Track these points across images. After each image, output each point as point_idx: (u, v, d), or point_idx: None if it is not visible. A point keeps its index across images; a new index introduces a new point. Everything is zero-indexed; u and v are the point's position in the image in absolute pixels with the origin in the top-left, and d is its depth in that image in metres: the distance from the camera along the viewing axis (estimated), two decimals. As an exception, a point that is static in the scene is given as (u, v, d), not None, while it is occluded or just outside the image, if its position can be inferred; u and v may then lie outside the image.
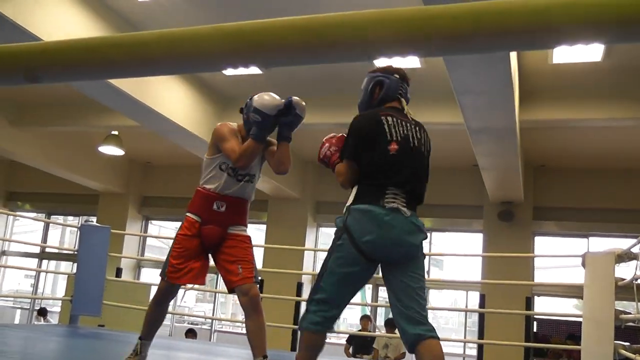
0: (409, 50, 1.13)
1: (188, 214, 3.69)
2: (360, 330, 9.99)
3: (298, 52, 0.99)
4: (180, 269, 3.58)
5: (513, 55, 6.49)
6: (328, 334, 3.05)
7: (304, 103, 3.60)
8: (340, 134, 3.27)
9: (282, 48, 0.99)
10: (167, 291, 3.70)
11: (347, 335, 10.31)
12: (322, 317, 2.91)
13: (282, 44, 0.98)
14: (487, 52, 2.56)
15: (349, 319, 14.26)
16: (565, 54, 7.37)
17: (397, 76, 3.19)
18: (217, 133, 3.68)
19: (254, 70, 8.57)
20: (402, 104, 3.14)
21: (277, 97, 3.54)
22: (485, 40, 1.05)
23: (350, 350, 9.72)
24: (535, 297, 11.74)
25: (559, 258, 11.91)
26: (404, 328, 2.85)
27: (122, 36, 1.13)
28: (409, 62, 7.83)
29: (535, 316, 11.30)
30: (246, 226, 3.76)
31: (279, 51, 1.00)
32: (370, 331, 10.52)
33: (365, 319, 10.09)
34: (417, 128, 3.08)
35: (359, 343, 9.76)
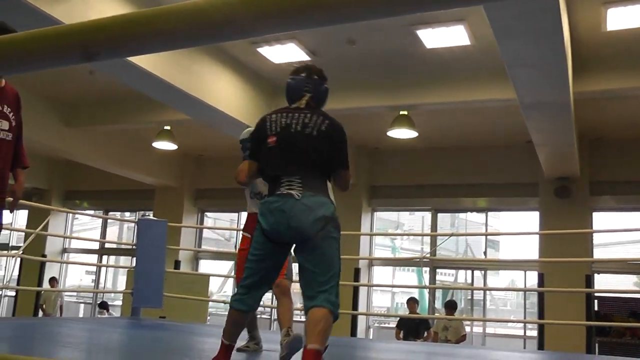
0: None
1: (244, 233, 4.58)
2: (409, 313, 9.95)
3: (327, 11, 0.97)
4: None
5: (565, 25, 6.34)
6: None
7: None
8: None
9: (307, 8, 0.97)
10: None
11: (397, 320, 10.28)
12: (242, 296, 3.27)
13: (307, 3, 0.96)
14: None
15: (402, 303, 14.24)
16: (620, 20, 7.15)
17: (304, 74, 3.45)
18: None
19: (303, 57, 8.58)
20: (304, 99, 3.37)
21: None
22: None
23: (401, 334, 9.68)
24: (595, 275, 11.50)
25: (618, 233, 11.64)
26: (304, 302, 3.16)
27: (142, 11, 1.13)
28: (458, 39, 7.74)
29: (596, 294, 11.08)
30: None
31: (304, 12, 0.98)
32: (418, 313, 10.47)
33: (412, 301, 10.02)
34: (309, 117, 3.28)
35: (409, 327, 9.71)
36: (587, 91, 8.24)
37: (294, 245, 3.24)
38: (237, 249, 4.53)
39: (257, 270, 3.25)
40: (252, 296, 3.26)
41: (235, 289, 3.41)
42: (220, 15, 1.05)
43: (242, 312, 3.25)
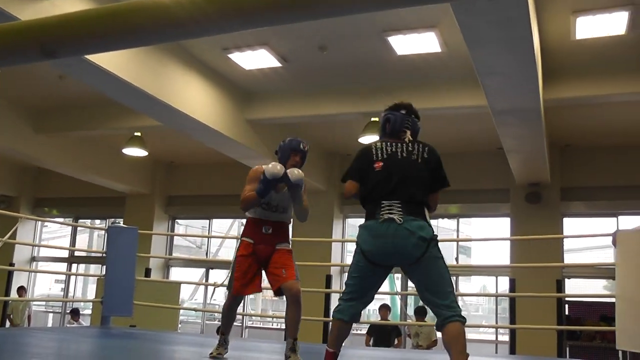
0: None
1: (243, 238, 4.49)
2: (380, 320, 9.95)
3: (297, 9, 0.95)
4: (244, 284, 4.40)
5: (535, 33, 6.40)
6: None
7: (298, 172, 4.27)
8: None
9: (277, 4, 0.95)
10: (235, 301, 4.58)
11: (367, 326, 10.26)
12: (342, 306, 3.51)
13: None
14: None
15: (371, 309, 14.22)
16: (589, 29, 7.23)
17: (404, 111, 3.69)
18: (248, 176, 4.53)
19: (274, 63, 8.56)
20: (406, 135, 3.62)
21: (279, 168, 4.25)
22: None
23: (371, 341, 9.66)
24: (566, 280, 11.61)
25: (588, 238, 11.75)
26: (435, 315, 3.40)
27: (105, 7, 1.10)
28: (429, 46, 7.77)
29: (567, 298, 11.18)
30: (289, 243, 4.56)
31: (273, 9, 0.97)
32: (389, 320, 10.46)
33: (384, 308, 10.01)
34: (411, 145, 3.56)
35: (380, 333, 9.69)
36: (557, 98, 8.33)
37: (405, 267, 3.43)
38: (235, 255, 4.52)
39: (355, 286, 3.49)
40: (352, 307, 3.49)
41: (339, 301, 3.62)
42: (185, 12, 1.03)
43: (342, 321, 3.50)
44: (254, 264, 4.42)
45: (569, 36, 7.41)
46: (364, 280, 3.48)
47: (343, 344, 3.61)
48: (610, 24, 7.12)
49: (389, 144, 3.56)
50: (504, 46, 6.02)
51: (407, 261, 3.37)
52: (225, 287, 4.57)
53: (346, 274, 13.71)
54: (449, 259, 13.96)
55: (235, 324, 15.06)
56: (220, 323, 4.78)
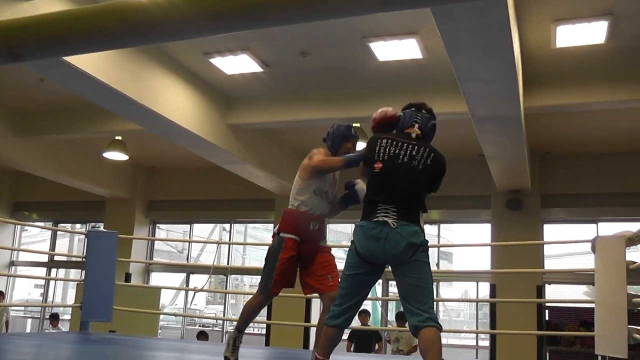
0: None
1: (286, 235, 4.13)
2: (360, 326, 9.95)
3: (273, 12, 0.95)
4: (281, 285, 4.13)
5: (516, 41, 6.44)
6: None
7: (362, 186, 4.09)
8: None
9: (253, 8, 0.95)
10: (267, 301, 4.32)
11: (348, 332, 10.25)
12: (336, 312, 3.54)
13: (253, 3, 0.94)
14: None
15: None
16: (569, 38, 7.29)
17: (413, 108, 3.77)
18: (314, 152, 4.21)
19: (255, 68, 8.55)
20: (413, 129, 3.67)
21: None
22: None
23: (352, 347, 9.66)
24: (546, 285, 11.69)
25: (568, 245, 11.85)
26: (407, 319, 3.44)
27: (81, 8, 1.09)
28: (410, 53, 7.79)
29: (547, 304, 11.25)
30: (326, 239, 4.33)
31: (251, 13, 0.96)
32: (369, 325, 10.46)
33: (363, 314, 10.00)
34: (417, 147, 3.58)
35: (360, 339, 9.69)
36: (538, 106, 8.38)
37: (392, 266, 3.50)
38: (278, 252, 4.10)
39: (349, 288, 3.54)
40: (346, 312, 3.54)
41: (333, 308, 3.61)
42: (163, 14, 1.02)
43: (335, 327, 3.55)
44: (296, 265, 4.17)
45: (549, 44, 7.47)
46: (356, 279, 3.52)
47: None
48: (590, 33, 7.19)
49: (394, 142, 3.60)
50: (485, 53, 6.05)
51: (394, 262, 3.44)
52: (258, 285, 4.23)
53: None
54: (431, 265, 14.01)
55: (215, 329, 15.07)
56: (239, 323, 4.37)
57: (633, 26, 7.08)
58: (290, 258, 4.07)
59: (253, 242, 15.80)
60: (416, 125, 3.68)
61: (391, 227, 3.41)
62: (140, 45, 7.30)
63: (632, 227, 6.25)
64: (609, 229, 10.90)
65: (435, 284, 12.11)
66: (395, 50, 7.80)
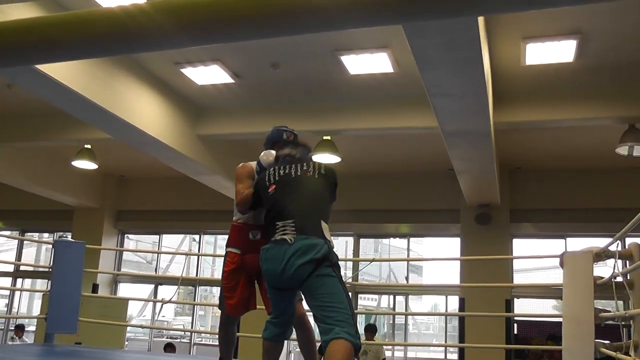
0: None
1: (228, 249, 4.05)
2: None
3: (259, 24, 0.93)
4: (236, 304, 3.98)
5: (486, 57, 6.49)
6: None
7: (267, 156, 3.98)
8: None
9: (240, 20, 0.93)
10: (229, 320, 4.13)
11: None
12: (268, 326, 3.54)
13: (240, 15, 0.92)
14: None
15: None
16: (538, 55, 7.39)
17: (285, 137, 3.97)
18: (235, 173, 4.05)
19: (227, 79, 8.52)
20: (289, 148, 3.78)
21: (273, 154, 3.92)
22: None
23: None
24: (515, 299, 11.76)
25: (537, 259, 11.95)
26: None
27: (55, 15, 1.06)
28: (381, 66, 7.82)
29: (515, 318, 11.33)
30: None
31: (237, 24, 0.94)
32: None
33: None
34: (305, 162, 3.63)
35: None
36: (507, 122, 8.47)
37: (302, 291, 3.37)
38: (223, 270, 4.03)
39: (276, 308, 3.49)
40: (280, 324, 3.50)
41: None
42: (135, 24, 0.99)
43: (271, 341, 3.51)
44: (244, 278, 3.96)
45: (519, 61, 7.55)
46: (275, 302, 3.47)
47: None
48: (558, 52, 7.29)
49: (281, 167, 3.62)
50: (455, 68, 6.09)
51: (298, 281, 3.26)
52: (217, 306, 4.14)
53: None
54: (401, 278, 14.04)
55: (182, 340, 14.89)
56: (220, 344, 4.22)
57: (601, 45, 7.19)
58: (232, 272, 3.95)
59: (222, 253, 15.68)
60: (295, 151, 3.76)
61: (289, 244, 3.25)
62: (121, 54, 7.22)
63: (599, 242, 6.31)
64: (577, 244, 11.02)
65: (402, 297, 11.93)
66: (367, 63, 7.82)
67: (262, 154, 3.98)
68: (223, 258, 4.07)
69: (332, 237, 3.42)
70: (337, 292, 3.20)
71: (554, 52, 7.29)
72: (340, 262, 3.44)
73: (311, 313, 3.37)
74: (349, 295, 3.28)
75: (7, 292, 15.77)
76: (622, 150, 8.65)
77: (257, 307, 4.09)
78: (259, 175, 3.69)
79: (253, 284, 4.02)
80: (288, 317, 3.50)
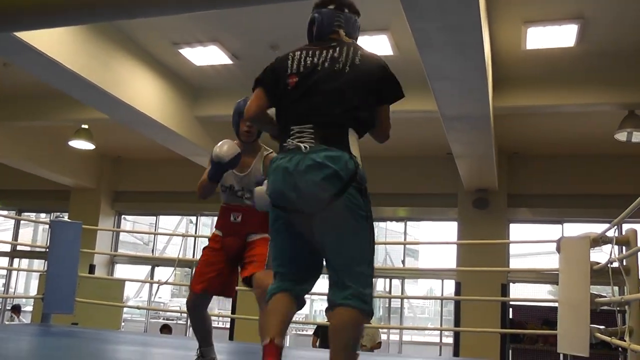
0: None
1: (214, 231, 3.79)
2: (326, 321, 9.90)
3: None
4: (204, 280, 3.64)
5: (486, 41, 6.46)
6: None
7: (227, 148, 3.53)
8: None
9: None
10: (195, 301, 3.69)
11: (314, 327, 10.22)
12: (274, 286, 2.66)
13: None
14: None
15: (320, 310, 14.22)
16: (538, 40, 7.35)
17: (332, 7, 2.87)
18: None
19: (225, 60, 8.48)
20: (339, 35, 2.82)
21: (226, 149, 3.50)
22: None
23: (318, 343, 9.63)
24: (511, 284, 11.80)
25: (533, 244, 11.99)
26: (328, 296, 2.53)
27: None
28: (381, 49, 7.78)
29: (511, 302, 11.37)
30: (266, 231, 3.19)
31: None
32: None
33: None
34: (339, 51, 2.69)
35: (326, 335, 9.64)
36: (506, 106, 8.45)
37: (310, 218, 2.52)
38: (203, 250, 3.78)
39: (282, 255, 2.65)
40: (284, 284, 2.63)
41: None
42: None
43: (280, 293, 2.61)
44: (221, 260, 3.64)
45: (519, 46, 7.52)
46: (283, 243, 2.64)
47: (287, 343, 2.71)
48: (560, 36, 7.26)
49: (310, 52, 2.72)
50: (455, 51, 6.06)
51: (312, 204, 2.47)
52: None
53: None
54: (397, 261, 14.07)
55: (179, 322, 14.92)
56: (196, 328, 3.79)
57: (603, 30, 7.16)
58: (209, 251, 3.69)
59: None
60: (341, 32, 2.84)
61: (303, 153, 2.49)
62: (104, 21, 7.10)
63: (596, 228, 6.33)
64: (574, 229, 11.03)
65: (399, 281, 11.91)
66: (366, 46, 7.73)
67: (219, 143, 3.56)
68: None
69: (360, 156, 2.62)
70: (361, 234, 2.50)
71: (555, 36, 7.26)
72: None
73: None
74: (374, 238, 2.58)
75: (4, 272, 15.78)
76: (621, 136, 8.66)
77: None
78: (277, 58, 2.82)
79: (233, 271, 3.71)
80: (304, 271, 2.66)
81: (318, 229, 2.50)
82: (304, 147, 2.50)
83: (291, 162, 2.50)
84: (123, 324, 12.36)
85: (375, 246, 2.60)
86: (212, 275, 3.63)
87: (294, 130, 2.58)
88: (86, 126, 10.90)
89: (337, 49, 2.70)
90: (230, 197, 3.72)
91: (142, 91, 8.69)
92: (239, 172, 3.70)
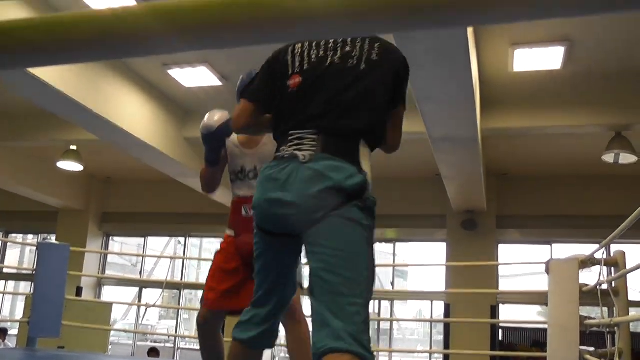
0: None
1: (225, 231, 3.24)
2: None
3: (247, 30, 0.89)
4: (214, 291, 3.10)
5: (474, 63, 6.50)
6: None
7: (218, 117, 3.27)
8: None
9: (228, 26, 0.89)
10: (205, 317, 3.14)
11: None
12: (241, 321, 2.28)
13: (228, 20, 0.88)
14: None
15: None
16: (526, 62, 7.41)
17: None
18: None
19: (215, 81, 8.49)
20: None
21: (216, 118, 3.17)
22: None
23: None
24: (500, 305, 11.77)
25: (522, 265, 11.99)
26: (313, 333, 1.99)
27: (40, 17, 1.02)
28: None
29: (501, 324, 11.34)
30: None
31: (225, 29, 0.90)
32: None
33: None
34: (351, 40, 2.24)
35: None
36: (495, 128, 8.49)
37: (303, 237, 2.09)
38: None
39: (261, 279, 2.22)
40: (259, 321, 2.22)
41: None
42: (125, 27, 0.95)
43: (241, 343, 2.24)
44: (236, 267, 3.06)
45: (507, 68, 7.57)
46: (265, 265, 2.22)
47: None
48: (546, 59, 7.33)
49: (315, 44, 2.28)
50: (443, 74, 6.09)
51: (304, 221, 2.02)
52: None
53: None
54: (386, 282, 14.04)
55: (166, 345, 14.77)
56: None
57: (589, 53, 7.23)
58: (221, 256, 3.16)
59: (208, 256, 15.64)
60: None
61: (300, 162, 2.05)
62: (110, 59, 7.15)
63: (585, 248, 6.34)
64: (563, 250, 11.06)
65: (388, 302, 11.86)
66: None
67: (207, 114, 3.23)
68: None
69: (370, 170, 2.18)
70: (360, 255, 2.01)
71: (542, 58, 7.33)
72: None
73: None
74: (374, 269, 2.08)
75: (-10, 295, 15.62)
76: (609, 157, 8.69)
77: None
78: (275, 53, 2.39)
79: (247, 276, 2.95)
80: (277, 304, 2.23)
81: (309, 245, 2.06)
82: (302, 155, 2.06)
83: (282, 173, 2.07)
84: (110, 347, 12.23)
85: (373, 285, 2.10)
86: (225, 287, 3.06)
87: (292, 136, 2.13)
88: (75, 147, 10.86)
89: (350, 40, 2.24)
90: (241, 186, 3.16)
91: (131, 112, 8.68)
92: (248, 148, 3.19)
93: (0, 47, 0.99)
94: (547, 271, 5.42)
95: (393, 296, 12.76)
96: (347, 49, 2.21)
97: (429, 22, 0.84)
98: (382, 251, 14.15)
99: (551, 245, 11.81)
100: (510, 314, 12.14)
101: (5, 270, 15.47)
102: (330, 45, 2.23)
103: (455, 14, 0.79)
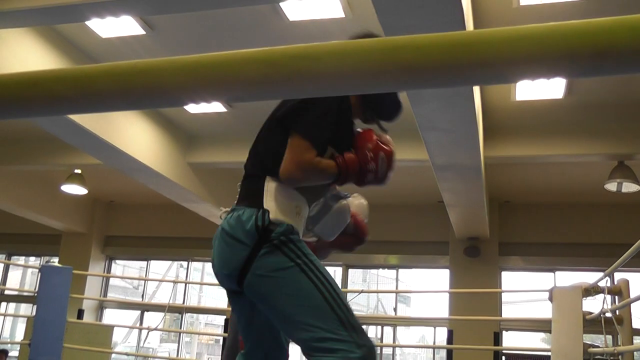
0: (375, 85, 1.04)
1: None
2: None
3: (260, 86, 0.93)
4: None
5: (477, 92, 6.54)
6: None
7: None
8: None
9: (243, 81, 0.93)
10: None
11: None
12: None
13: (243, 77, 0.92)
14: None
15: None
16: (528, 91, 7.46)
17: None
18: None
19: (219, 107, 8.54)
20: None
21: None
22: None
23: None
24: (503, 332, 11.72)
25: (526, 292, 11.96)
26: None
27: (67, 69, 1.06)
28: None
29: (504, 351, 11.28)
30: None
31: (239, 85, 0.95)
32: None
33: None
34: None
35: None
36: (497, 156, 8.51)
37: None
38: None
39: (239, 325, 2.22)
40: None
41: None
42: (110, 83, 0.99)
43: None
44: None
45: (509, 97, 7.62)
46: (238, 320, 2.22)
47: None
48: (548, 88, 7.37)
49: None
50: (446, 103, 6.13)
51: (226, 284, 2.07)
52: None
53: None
54: (389, 308, 14.00)
55: (169, 369, 14.67)
56: None
57: (590, 82, 7.27)
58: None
59: (210, 280, 15.62)
60: None
61: (224, 219, 2.12)
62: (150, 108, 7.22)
63: (588, 276, 6.35)
64: (566, 278, 11.03)
65: (390, 328, 11.77)
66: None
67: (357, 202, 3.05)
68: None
69: (292, 206, 2.10)
70: (301, 289, 1.94)
71: (543, 88, 7.37)
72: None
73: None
74: (330, 287, 2.01)
75: (-9, 316, 15.57)
76: (611, 186, 8.71)
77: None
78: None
79: None
80: (264, 352, 2.18)
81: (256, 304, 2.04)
82: (225, 211, 2.15)
83: (215, 234, 2.13)
84: (111, 370, 12.16)
85: (330, 292, 2.02)
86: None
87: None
88: (79, 171, 10.90)
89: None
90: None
91: (136, 137, 8.73)
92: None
93: (29, 97, 1.03)
94: (551, 299, 5.42)
95: (396, 322, 12.71)
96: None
97: (434, 82, 0.88)
98: (384, 276, 14.14)
99: (554, 272, 11.78)
100: (513, 341, 12.08)
101: (6, 292, 15.45)
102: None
103: (459, 76, 0.83)
